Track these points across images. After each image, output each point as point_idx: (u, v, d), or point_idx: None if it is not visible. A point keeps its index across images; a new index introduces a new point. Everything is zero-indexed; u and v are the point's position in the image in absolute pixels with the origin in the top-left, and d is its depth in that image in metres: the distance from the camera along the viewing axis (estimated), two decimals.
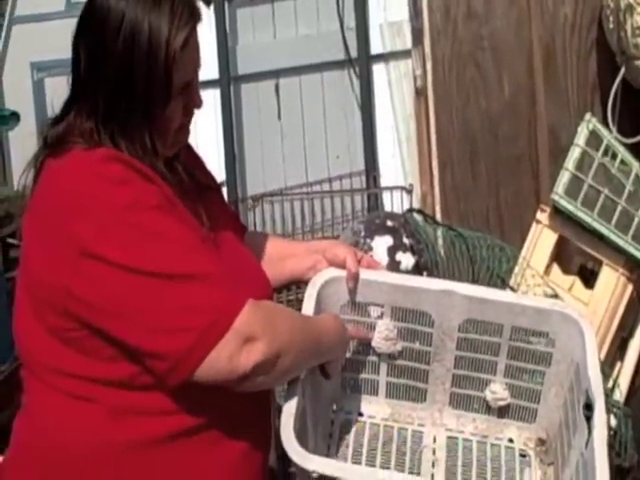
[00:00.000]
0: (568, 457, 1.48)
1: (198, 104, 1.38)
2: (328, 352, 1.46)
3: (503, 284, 2.22)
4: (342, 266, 1.56)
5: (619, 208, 2.32)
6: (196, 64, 1.38)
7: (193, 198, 1.43)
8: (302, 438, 1.34)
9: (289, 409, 1.34)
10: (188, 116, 1.39)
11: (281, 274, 1.59)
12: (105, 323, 1.29)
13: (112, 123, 1.33)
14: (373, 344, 1.61)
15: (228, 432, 1.37)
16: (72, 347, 1.32)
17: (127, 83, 1.31)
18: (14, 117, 5.10)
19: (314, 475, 1.25)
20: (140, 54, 1.29)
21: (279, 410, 1.38)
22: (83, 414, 1.33)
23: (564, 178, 2.33)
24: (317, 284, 1.53)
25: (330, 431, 1.60)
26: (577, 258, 2.55)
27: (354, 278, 1.55)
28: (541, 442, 1.64)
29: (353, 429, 1.61)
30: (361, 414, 1.64)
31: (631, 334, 2.41)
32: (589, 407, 1.42)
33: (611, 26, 2.60)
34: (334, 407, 1.63)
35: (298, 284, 1.64)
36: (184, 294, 1.27)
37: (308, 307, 1.49)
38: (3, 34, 6.16)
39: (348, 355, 1.63)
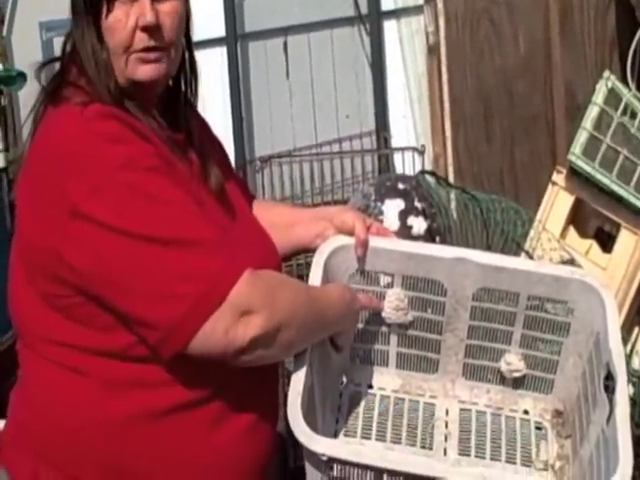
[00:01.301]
0: (587, 431, 1.44)
1: (147, 20, 1.28)
2: (336, 324, 1.41)
3: (518, 248, 2.17)
4: (350, 233, 1.49)
5: (639, 169, 2.26)
6: None
7: (199, 155, 1.38)
8: (310, 415, 1.29)
9: (296, 387, 1.29)
10: (141, 32, 1.29)
11: (287, 242, 1.52)
12: (96, 288, 1.24)
13: (75, 52, 1.32)
14: (383, 314, 1.55)
15: (232, 405, 1.32)
16: (65, 315, 1.27)
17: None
18: (21, 77, 5.05)
19: (323, 458, 1.21)
20: None
21: (288, 376, 1.34)
22: (76, 388, 1.29)
23: (581, 138, 2.27)
24: (325, 252, 1.48)
25: (339, 404, 1.55)
26: (594, 221, 2.51)
27: (363, 246, 1.49)
28: (558, 414, 1.60)
29: (363, 402, 1.56)
30: (371, 386, 1.60)
31: None
32: (610, 381, 1.37)
33: None
34: (343, 379, 1.58)
35: (305, 252, 1.58)
36: (177, 260, 1.21)
37: (315, 276, 1.44)
38: None
39: (357, 326, 1.57)
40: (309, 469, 1.27)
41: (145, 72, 1.31)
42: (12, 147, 6.24)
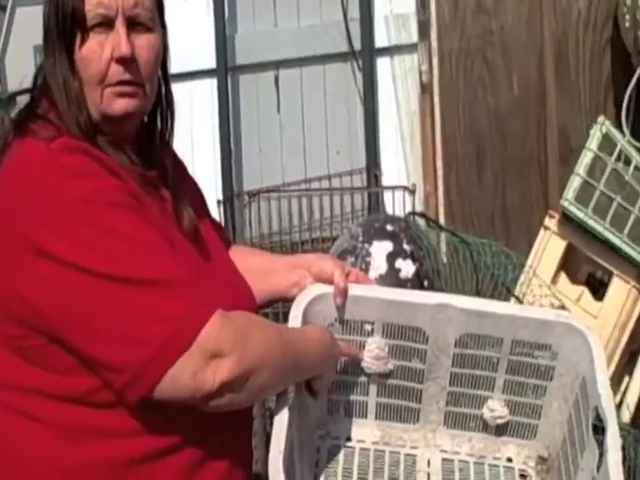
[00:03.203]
0: (575, 478, 1.41)
1: (122, 51, 1.23)
2: (314, 367, 1.35)
3: (508, 293, 2.13)
4: (329, 281, 1.44)
5: (632, 217, 2.26)
6: (117, 2, 1.25)
7: (172, 194, 1.32)
8: (289, 473, 1.24)
9: (278, 444, 1.24)
10: (116, 64, 1.24)
11: (263, 291, 1.46)
12: (58, 329, 1.18)
13: (46, 84, 1.27)
14: (363, 364, 1.51)
15: (204, 453, 1.26)
16: (24, 357, 1.21)
17: (46, 29, 1.27)
18: (13, 101, 5.05)
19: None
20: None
21: (271, 416, 1.31)
22: (33, 436, 1.22)
23: (575, 183, 2.27)
24: (303, 302, 1.43)
25: (316, 459, 1.48)
26: (585, 267, 2.50)
27: (342, 294, 1.44)
28: (542, 460, 1.56)
29: (341, 455, 1.51)
30: (349, 439, 1.54)
31: None
32: (598, 426, 1.33)
33: (627, 24, 2.53)
34: (320, 433, 1.52)
35: (282, 301, 1.53)
36: (143, 300, 1.15)
37: (294, 327, 1.39)
38: (7, 17, 6.08)
39: (335, 377, 1.52)
40: None
41: (120, 106, 1.26)
42: None
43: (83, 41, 1.24)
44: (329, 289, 1.44)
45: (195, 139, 3.04)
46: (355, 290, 1.45)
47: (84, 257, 1.15)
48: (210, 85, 3.16)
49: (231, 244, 1.55)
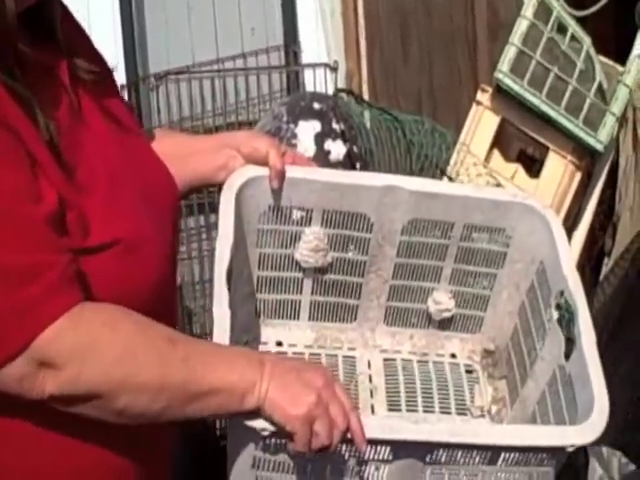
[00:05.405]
0: (532, 369, 1.35)
1: None
2: (229, 394, 1.02)
3: (442, 175, 2.03)
4: (263, 163, 1.28)
5: (569, 89, 2.15)
6: None
7: (73, 80, 1.10)
8: None
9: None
10: None
11: (184, 176, 1.26)
12: None
13: None
14: (298, 257, 1.38)
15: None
16: None
17: None
18: None
19: (264, 433, 1.03)
20: None
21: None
22: None
23: (509, 54, 2.13)
24: (234, 186, 1.27)
25: None
26: (516, 143, 2.40)
27: (279, 177, 1.28)
28: (488, 353, 1.51)
29: None
30: (280, 343, 1.44)
31: (575, 225, 2.27)
32: (563, 312, 1.27)
33: None
34: (246, 338, 1.40)
35: (207, 187, 1.36)
36: None
37: (226, 218, 1.24)
38: None
39: (262, 273, 1.38)
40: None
41: None
42: None
43: None
44: (263, 171, 1.29)
45: (93, 17, 2.79)
46: (293, 172, 1.31)
47: None
48: None
49: (142, 128, 1.35)
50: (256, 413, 1.02)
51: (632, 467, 1.89)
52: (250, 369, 1.02)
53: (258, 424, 1.03)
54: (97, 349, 0.98)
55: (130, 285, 1.05)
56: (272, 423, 1.02)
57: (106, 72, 1.23)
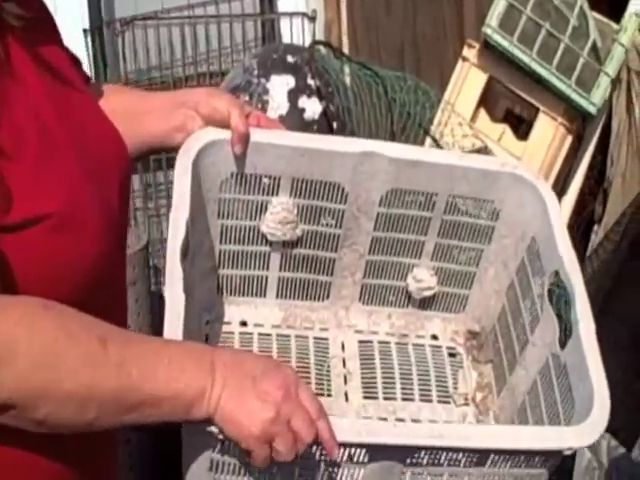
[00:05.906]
0: (521, 355, 1.26)
1: None
2: (166, 415, 0.90)
3: (426, 135, 1.91)
4: (224, 124, 1.15)
5: (562, 46, 2.07)
6: None
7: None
8: None
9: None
10: None
11: (135, 138, 1.12)
12: None
13: None
14: (264, 230, 1.26)
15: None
16: None
17: None
18: None
19: (221, 437, 0.91)
20: None
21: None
22: None
23: (499, 8, 2.05)
24: (192, 151, 1.13)
25: None
26: (503, 102, 2.32)
27: (242, 141, 1.15)
28: (472, 335, 1.41)
29: (236, 344, 1.29)
30: (245, 323, 1.32)
31: (564, 191, 2.19)
32: (556, 294, 1.19)
33: None
34: (208, 317, 1.29)
35: (160, 151, 1.22)
36: None
37: (182, 187, 1.11)
38: None
39: (225, 247, 1.26)
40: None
41: None
42: None
43: None
44: (224, 134, 1.16)
45: None
46: (258, 136, 1.18)
47: None
48: None
49: (90, 82, 1.21)
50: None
51: (621, 450, 1.82)
52: (199, 373, 0.88)
53: (214, 428, 0.92)
54: (10, 352, 0.84)
55: (61, 268, 0.91)
56: (225, 437, 0.90)
57: (46, 17, 1.08)
